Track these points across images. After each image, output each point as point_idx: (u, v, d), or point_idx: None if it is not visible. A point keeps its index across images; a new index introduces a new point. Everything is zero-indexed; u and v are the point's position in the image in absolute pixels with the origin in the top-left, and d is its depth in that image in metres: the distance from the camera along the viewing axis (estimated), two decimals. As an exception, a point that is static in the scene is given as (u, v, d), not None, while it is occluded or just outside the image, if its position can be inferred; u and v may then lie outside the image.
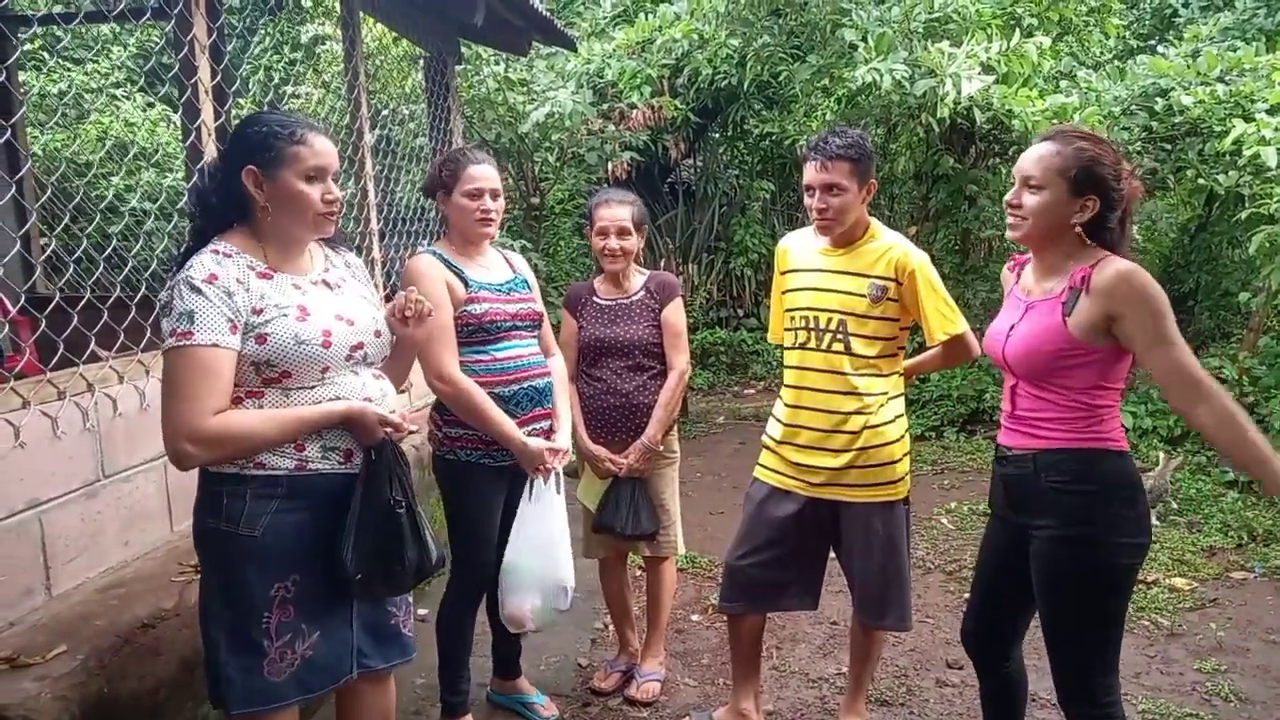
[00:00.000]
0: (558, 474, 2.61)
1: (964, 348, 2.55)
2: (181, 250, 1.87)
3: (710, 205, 9.17)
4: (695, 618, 3.67)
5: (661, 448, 2.94)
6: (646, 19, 7.36)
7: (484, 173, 2.56)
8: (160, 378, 1.78)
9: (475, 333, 2.55)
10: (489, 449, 2.57)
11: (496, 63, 6.69)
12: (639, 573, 3.55)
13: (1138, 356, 1.92)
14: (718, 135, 9.23)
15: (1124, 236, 2.00)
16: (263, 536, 1.78)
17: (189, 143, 3.05)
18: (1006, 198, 2.03)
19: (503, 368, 2.57)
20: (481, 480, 2.60)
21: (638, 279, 3.01)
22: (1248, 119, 4.84)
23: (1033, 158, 1.97)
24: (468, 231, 2.59)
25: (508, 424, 2.51)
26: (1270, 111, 4.79)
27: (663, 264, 8.22)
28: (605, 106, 6.59)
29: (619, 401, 2.91)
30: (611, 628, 3.34)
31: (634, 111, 6.59)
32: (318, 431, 1.84)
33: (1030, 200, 1.96)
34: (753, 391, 7.90)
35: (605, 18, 8.53)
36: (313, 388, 1.84)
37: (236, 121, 1.95)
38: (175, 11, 2.96)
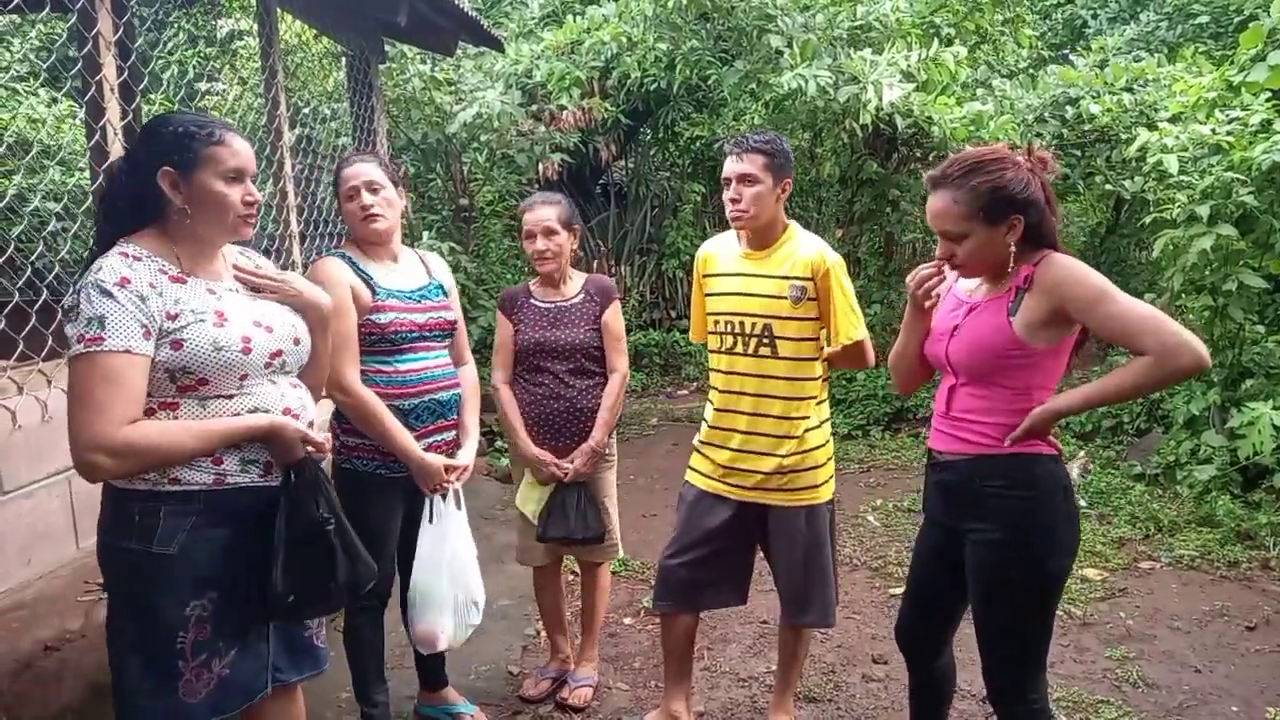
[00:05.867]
0: (457, 491, 2.58)
1: (860, 355, 2.57)
2: (89, 255, 1.78)
3: (642, 207, 9.20)
4: (628, 621, 3.67)
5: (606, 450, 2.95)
6: (575, 21, 7.34)
7: (354, 171, 2.50)
8: (64, 388, 1.70)
9: (378, 343, 2.48)
10: (386, 459, 2.52)
11: (423, 62, 6.58)
12: (571, 577, 3.54)
13: (1092, 328, 1.92)
14: (648, 137, 9.26)
15: (1051, 219, 1.99)
16: (178, 554, 1.71)
17: (94, 142, 2.92)
18: (939, 254, 2.02)
19: (405, 380, 2.51)
20: (379, 490, 2.54)
21: (576, 281, 2.99)
22: (1151, 127, 5.06)
23: (937, 213, 1.98)
24: (359, 232, 2.54)
25: (406, 439, 2.46)
26: (1172, 120, 5.02)
27: (595, 265, 8.20)
28: (535, 108, 6.55)
29: (564, 406, 2.88)
30: (544, 634, 3.32)
31: (564, 113, 6.56)
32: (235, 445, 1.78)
33: (962, 249, 1.98)
34: (685, 393, 7.94)
35: (533, 19, 8.47)
36: (231, 397, 1.77)
37: (147, 120, 1.87)
38: (78, 6, 2.83)
